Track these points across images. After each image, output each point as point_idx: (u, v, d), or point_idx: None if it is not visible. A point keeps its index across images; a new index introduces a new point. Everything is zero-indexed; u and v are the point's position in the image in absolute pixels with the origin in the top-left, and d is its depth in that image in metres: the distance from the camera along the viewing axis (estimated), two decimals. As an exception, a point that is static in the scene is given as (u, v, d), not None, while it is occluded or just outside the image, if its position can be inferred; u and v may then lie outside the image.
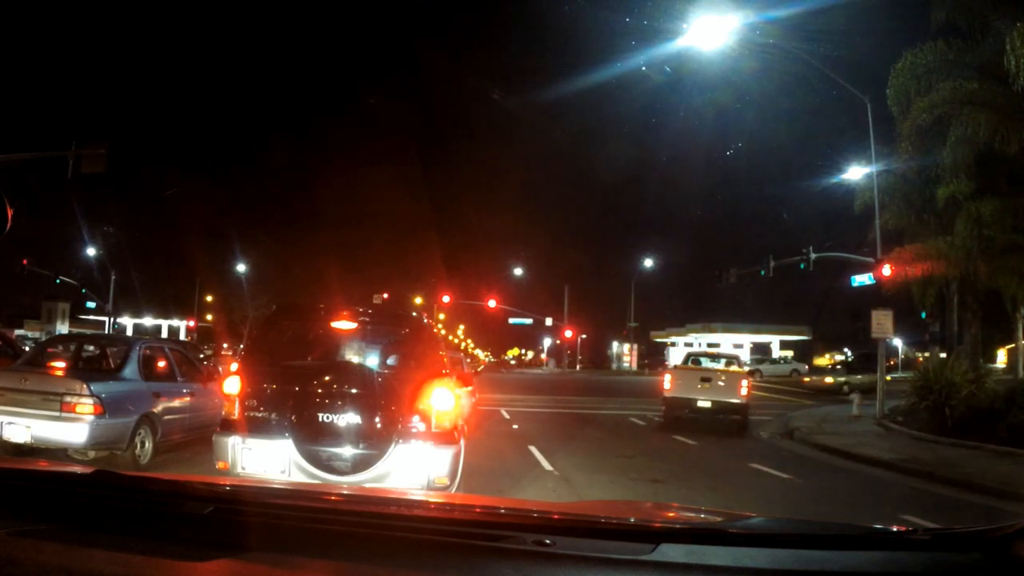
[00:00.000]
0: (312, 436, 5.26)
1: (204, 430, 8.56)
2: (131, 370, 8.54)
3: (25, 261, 32.55)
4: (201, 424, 9.11)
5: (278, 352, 6.13)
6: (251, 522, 1.65)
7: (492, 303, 47.27)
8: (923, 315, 27.10)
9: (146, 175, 43.32)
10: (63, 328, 41.40)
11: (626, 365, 58.26)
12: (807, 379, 34.28)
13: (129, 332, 44.97)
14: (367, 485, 4.92)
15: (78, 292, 38.46)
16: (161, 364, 9.39)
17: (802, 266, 23.46)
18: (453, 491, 5.35)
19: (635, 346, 58.34)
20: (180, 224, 40.45)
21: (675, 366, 19.19)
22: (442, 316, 61.46)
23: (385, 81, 65.69)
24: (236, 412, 5.44)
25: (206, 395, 9.55)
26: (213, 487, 1.96)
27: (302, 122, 74.96)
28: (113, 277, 39.61)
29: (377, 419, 5.33)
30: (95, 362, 9.77)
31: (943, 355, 19.50)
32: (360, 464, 5.25)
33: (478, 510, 1.96)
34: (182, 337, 47.24)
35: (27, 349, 12.74)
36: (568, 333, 53.58)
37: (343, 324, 6.08)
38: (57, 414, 7.47)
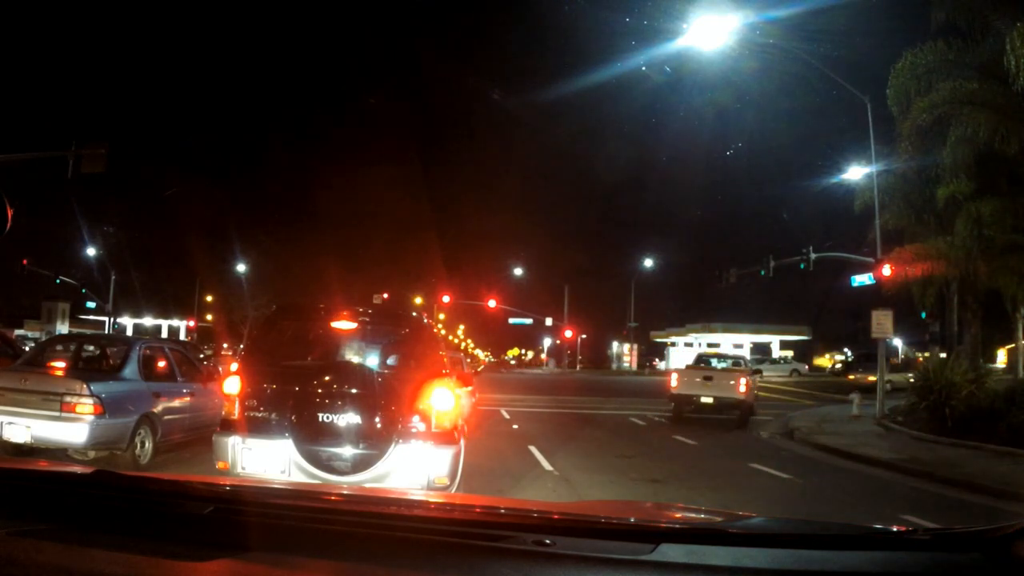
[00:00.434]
0: (312, 436, 5.26)
1: (204, 430, 8.56)
2: (131, 370, 8.54)
3: (25, 261, 32.57)
4: (201, 424, 9.11)
5: (278, 352, 6.13)
6: (251, 522, 1.65)
7: (492, 303, 47.28)
8: (923, 315, 27.07)
9: (146, 175, 43.26)
10: (63, 328, 41.34)
11: (626, 365, 58.27)
12: (852, 376, 31.18)
13: (129, 332, 44.98)
14: (367, 485, 4.92)
15: (78, 292, 38.46)
16: (161, 364, 9.39)
17: (802, 266, 23.47)
18: (453, 491, 5.34)
19: (635, 346, 58.35)
20: (180, 224, 40.43)
21: (686, 366, 20.42)
22: (442, 316, 61.50)
23: (385, 81, 65.77)
24: (236, 412, 5.44)
25: (206, 395, 9.55)
26: (213, 487, 1.96)
27: (302, 122, 74.97)
28: (113, 277, 39.65)
29: (377, 419, 5.33)
30: (95, 362, 9.76)
31: (943, 355, 19.49)
32: (360, 464, 5.25)
33: (478, 510, 1.96)
34: (182, 337, 47.25)
35: (27, 349, 12.75)
36: (568, 333, 53.59)
37: (343, 324, 6.08)
38: (57, 414, 7.47)
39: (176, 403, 9.09)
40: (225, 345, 42.16)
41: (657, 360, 61.32)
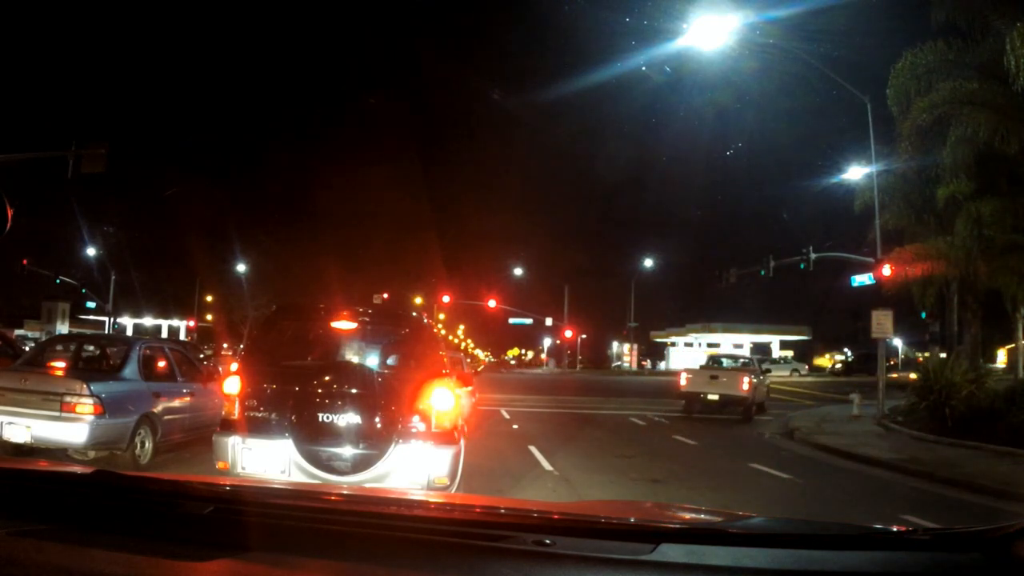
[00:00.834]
0: (312, 436, 5.26)
1: (204, 430, 8.56)
2: (131, 370, 8.54)
3: (25, 261, 32.57)
4: (201, 424, 9.11)
5: (278, 352, 6.13)
6: (251, 522, 1.65)
7: (492, 303, 47.29)
8: (923, 315, 27.08)
9: (146, 175, 43.23)
10: (63, 328, 41.31)
11: (625, 365, 58.29)
12: (896, 375, 29.59)
13: (129, 332, 44.97)
14: (367, 485, 4.92)
15: (78, 292, 38.44)
16: (161, 364, 9.38)
17: (802, 266, 23.47)
18: (453, 491, 5.34)
19: (635, 346, 58.37)
20: (180, 224, 40.35)
21: (700, 366, 21.86)
22: (442, 316, 61.49)
23: (385, 81, 65.52)
24: (236, 412, 5.44)
25: (206, 395, 9.55)
26: (213, 487, 1.96)
27: (302, 122, 74.88)
28: (113, 277, 39.64)
29: (377, 419, 5.33)
30: (95, 362, 9.77)
31: (943, 355, 19.50)
32: (360, 464, 5.25)
33: (478, 510, 1.96)
34: (182, 337, 47.24)
35: (27, 349, 12.75)
36: (568, 333, 53.60)
37: (343, 324, 6.08)
38: (57, 414, 7.47)
39: (176, 403, 9.08)
40: (225, 345, 42.14)
41: (648, 361, 61.38)
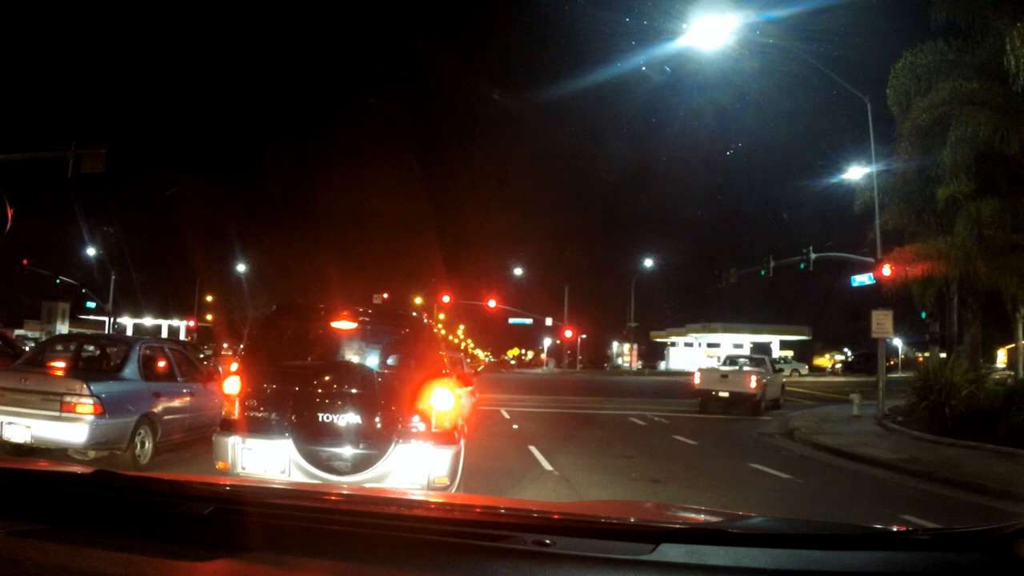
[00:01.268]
0: (312, 436, 5.26)
1: (204, 430, 8.56)
2: (131, 370, 8.54)
3: (25, 261, 32.58)
4: (201, 424, 9.11)
5: (278, 352, 6.12)
6: (251, 522, 1.65)
7: (492, 303, 47.30)
8: (923, 315, 27.06)
9: (146, 175, 43.18)
10: (63, 328, 41.36)
11: (625, 365, 58.27)
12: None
13: (129, 332, 44.98)
14: (367, 485, 4.92)
15: (78, 292, 38.41)
16: (161, 364, 9.38)
17: (802, 266, 23.49)
18: (453, 491, 5.34)
19: (635, 346, 58.38)
20: (180, 224, 40.35)
21: (715, 364, 23.83)
22: (442, 316, 61.51)
23: (385, 81, 65.66)
24: (236, 412, 5.43)
25: (206, 395, 9.55)
26: (213, 487, 1.96)
27: (302, 122, 74.79)
28: (113, 277, 39.62)
29: (377, 419, 5.32)
30: (95, 362, 9.76)
31: (943, 355, 19.51)
32: (360, 464, 5.24)
33: (478, 510, 1.96)
34: (182, 337, 47.23)
35: (27, 349, 12.75)
36: (568, 333, 53.60)
37: (343, 324, 6.07)
38: (57, 414, 7.47)
39: (176, 403, 9.08)
40: (225, 345, 42.15)
41: (641, 363, 61.50)
